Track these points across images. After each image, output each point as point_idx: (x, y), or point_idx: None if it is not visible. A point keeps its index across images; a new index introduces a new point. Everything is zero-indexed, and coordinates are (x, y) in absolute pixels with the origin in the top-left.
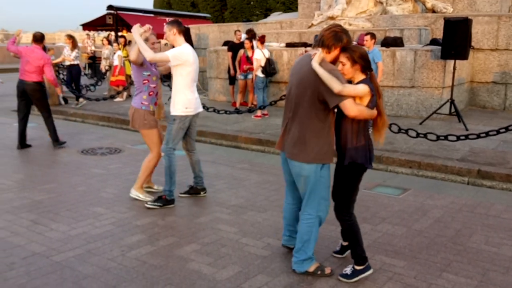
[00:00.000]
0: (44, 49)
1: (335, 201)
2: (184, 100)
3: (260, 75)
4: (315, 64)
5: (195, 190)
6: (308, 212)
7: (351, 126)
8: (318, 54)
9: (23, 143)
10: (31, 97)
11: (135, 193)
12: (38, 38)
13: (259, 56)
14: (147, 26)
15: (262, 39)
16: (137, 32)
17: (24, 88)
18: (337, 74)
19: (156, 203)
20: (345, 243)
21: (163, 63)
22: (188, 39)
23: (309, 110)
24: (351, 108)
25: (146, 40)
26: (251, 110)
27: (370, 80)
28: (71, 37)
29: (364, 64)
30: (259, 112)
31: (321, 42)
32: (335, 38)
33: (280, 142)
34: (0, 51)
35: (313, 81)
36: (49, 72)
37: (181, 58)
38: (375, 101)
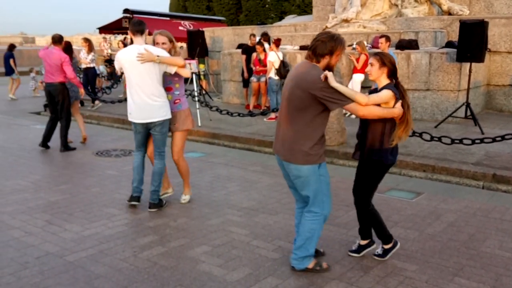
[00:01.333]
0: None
1: (356, 195)
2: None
3: (274, 77)
4: (334, 84)
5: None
6: (314, 210)
7: (381, 128)
8: (329, 76)
9: (44, 143)
10: (55, 97)
11: (184, 198)
12: (56, 40)
13: (273, 58)
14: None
15: (277, 42)
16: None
17: (49, 89)
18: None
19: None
20: (363, 242)
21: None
22: (202, 42)
23: (303, 114)
24: (359, 110)
25: (156, 43)
26: (264, 113)
27: (396, 86)
28: (87, 40)
29: (392, 69)
30: (272, 115)
31: (313, 51)
32: (323, 47)
33: (275, 144)
34: (20, 54)
35: (307, 86)
36: (68, 71)
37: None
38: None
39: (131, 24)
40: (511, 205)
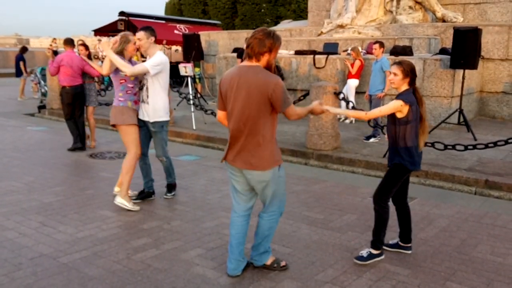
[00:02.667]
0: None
1: (376, 193)
2: (166, 104)
3: None
4: (328, 108)
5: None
6: (272, 210)
7: (395, 130)
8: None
9: (82, 143)
10: (76, 100)
11: (120, 200)
12: (69, 42)
13: None
14: (113, 39)
15: None
16: (108, 48)
17: (73, 92)
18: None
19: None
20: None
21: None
22: (198, 45)
23: (261, 120)
24: (290, 114)
25: (123, 50)
26: None
27: (414, 92)
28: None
29: (414, 77)
30: None
31: (251, 49)
32: (260, 45)
33: (229, 155)
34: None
35: (263, 91)
36: (90, 70)
37: (160, 65)
38: (415, 111)
39: (155, 33)
40: (503, 211)
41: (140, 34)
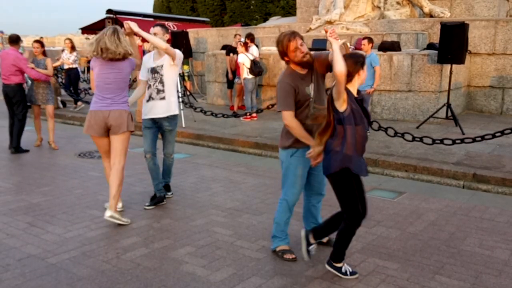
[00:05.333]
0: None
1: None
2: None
3: (248, 76)
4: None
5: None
6: (282, 195)
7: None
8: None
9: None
10: (11, 98)
11: (110, 214)
12: (14, 40)
13: (242, 59)
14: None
15: (246, 45)
16: (137, 28)
17: (5, 91)
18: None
19: (151, 203)
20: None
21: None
22: (186, 43)
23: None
24: (283, 118)
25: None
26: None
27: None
28: (70, 41)
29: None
30: (252, 114)
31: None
32: (278, 49)
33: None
34: None
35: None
36: (30, 72)
37: (181, 60)
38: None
39: (165, 28)
40: (491, 204)
41: (157, 29)
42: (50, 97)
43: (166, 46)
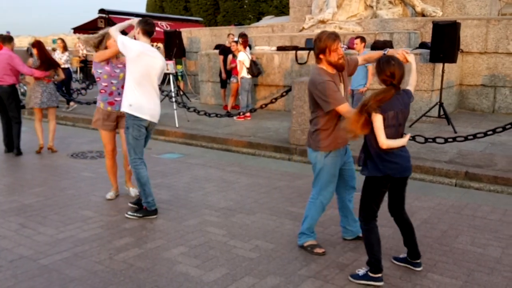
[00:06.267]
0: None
1: (359, 210)
2: (133, 99)
3: (247, 76)
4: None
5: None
6: (313, 193)
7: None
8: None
9: (11, 148)
10: (3, 100)
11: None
12: (6, 40)
13: (243, 57)
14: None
15: (244, 43)
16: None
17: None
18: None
19: (136, 214)
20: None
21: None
22: (179, 42)
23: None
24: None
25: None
26: (238, 114)
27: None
28: (62, 41)
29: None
30: (247, 114)
31: (314, 52)
32: (316, 47)
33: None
34: None
35: (309, 89)
36: (23, 69)
37: (126, 47)
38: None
39: (146, 24)
40: (483, 202)
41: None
42: (55, 98)
43: (115, 40)
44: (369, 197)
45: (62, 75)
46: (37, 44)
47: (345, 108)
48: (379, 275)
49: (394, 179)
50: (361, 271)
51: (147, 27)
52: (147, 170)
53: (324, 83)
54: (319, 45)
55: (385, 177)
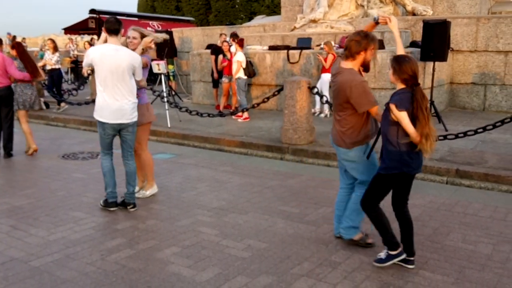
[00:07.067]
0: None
1: (362, 199)
2: (96, 103)
3: (243, 76)
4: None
5: (122, 203)
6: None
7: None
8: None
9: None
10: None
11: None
12: None
13: (241, 58)
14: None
15: (240, 42)
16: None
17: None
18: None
19: (101, 202)
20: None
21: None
22: (171, 42)
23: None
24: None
25: (127, 37)
26: (234, 113)
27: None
28: (52, 41)
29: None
30: (246, 114)
31: (349, 50)
32: (358, 45)
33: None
34: None
35: (344, 90)
36: (15, 73)
37: (87, 57)
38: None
39: (106, 22)
40: (474, 199)
41: (133, 33)
42: (37, 100)
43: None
44: (379, 191)
45: (42, 76)
46: (17, 46)
47: (376, 109)
48: (399, 249)
49: (407, 175)
50: (382, 254)
51: (107, 25)
52: (111, 162)
53: (361, 83)
54: (362, 43)
55: (401, 174)
